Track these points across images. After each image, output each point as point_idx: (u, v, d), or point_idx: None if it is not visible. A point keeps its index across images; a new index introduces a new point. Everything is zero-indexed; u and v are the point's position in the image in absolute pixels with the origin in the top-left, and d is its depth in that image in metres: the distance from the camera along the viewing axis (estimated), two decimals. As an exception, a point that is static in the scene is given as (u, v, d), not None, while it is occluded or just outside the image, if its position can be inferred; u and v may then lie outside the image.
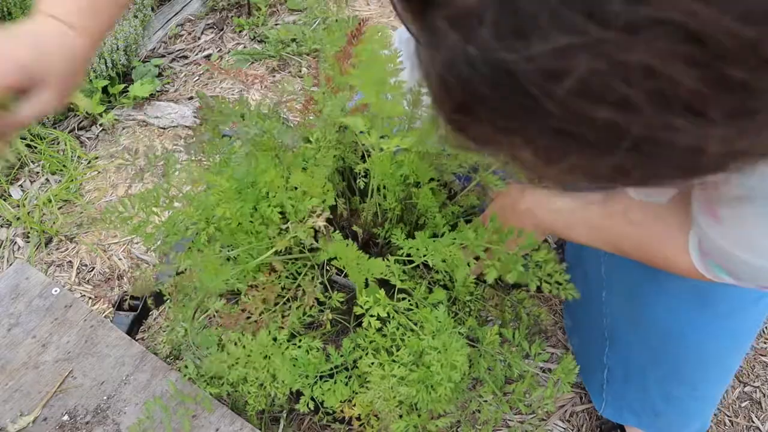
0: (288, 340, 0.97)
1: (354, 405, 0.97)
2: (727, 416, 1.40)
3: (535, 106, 0.32)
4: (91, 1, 0.79)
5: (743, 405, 1.42)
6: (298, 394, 0.99)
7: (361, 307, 0.92)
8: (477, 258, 0.95)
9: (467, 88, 0.34)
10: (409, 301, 0.95)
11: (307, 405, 0.96)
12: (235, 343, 0.94)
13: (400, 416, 0.91)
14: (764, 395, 1.43)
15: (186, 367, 1.05)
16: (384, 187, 1.02)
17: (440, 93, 0.36)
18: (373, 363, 0.90)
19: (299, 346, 0.97)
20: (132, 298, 1.30)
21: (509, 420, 1.37)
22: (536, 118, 0.33)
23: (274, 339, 0.95)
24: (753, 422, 1.39)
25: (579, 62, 0.30)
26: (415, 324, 0.93)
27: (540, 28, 0.30)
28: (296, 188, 0.92)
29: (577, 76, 0.30)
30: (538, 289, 0.93)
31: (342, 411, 0.98)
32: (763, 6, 0.27)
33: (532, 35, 0.30)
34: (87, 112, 2.08)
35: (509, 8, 0.30)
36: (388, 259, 0.93)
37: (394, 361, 0.89)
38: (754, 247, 0.65)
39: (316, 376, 0.98)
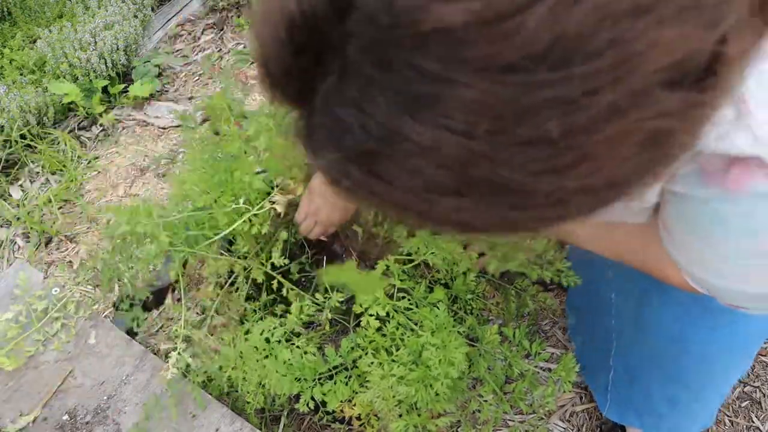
0: (287, 340, 0.97)
1: (354, 405, 0.97)
2: (727, 416, 1.40)
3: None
4: None
5: (743, 405, 1.42)
6: (298, 394, 0.99)
7: (360, 306, 0.92)
8: (481, 254, 0.95)
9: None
10: (408, 300, 0.95)
11: (307, 405, 0.96)
12: (230, 344, 0.94)
13: (400, 415, 0.91)
14: (764, 395, 1.43)
15: (179, 370, 1.05)
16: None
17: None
18: (372, 363, 0.90)
19: (297, 346, 0.97)
20: (132, 297, 1.30)
21: (509, 420, 1.37)
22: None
23: (267, 340, 0.94)
24: (753, 422, 1.39)
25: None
26: (415, 323, 0.92)
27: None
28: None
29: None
30: (544, 284, 0.93)
31: (342, 411, 0.98)
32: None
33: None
34: (87, 112, 2.08)
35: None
36: (388, 259, 0.93)
37: (393, 360, 0.89)
38: (704, 263, 0.61)
39: (315, 378, 0.97)
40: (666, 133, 0.33)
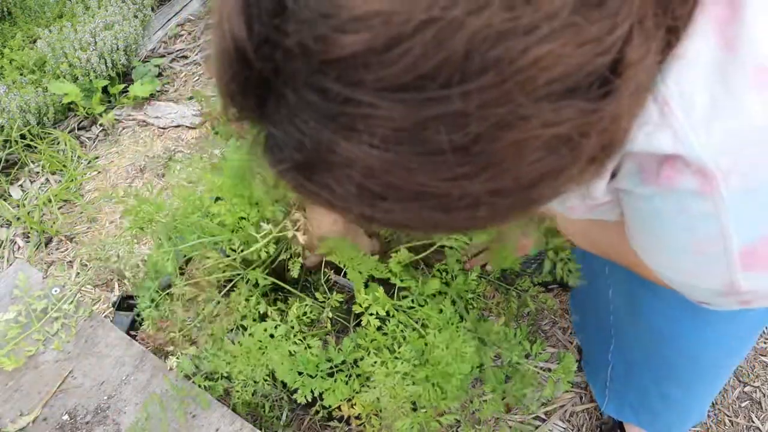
0: (286, 339, 0.97)
1: (354, 404, 0.97)
2: (727, 416, 1.40)
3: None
4: None
5: (743, 405, 1.42)
6: (297, 391, 0.99)
7: (361, 306, 0.92)
8: (476, 254, 0.96)
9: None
10: (411, 299, 0.95)
11: (306, 398, 0.96)
12: (233, 341, 0.94)
13: (405, 414, 0.91)
14: (764, 395, 1.43)
15: (180, 370, 1.05)
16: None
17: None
18: (375, 362, 0.90)
19: (299, 341, 0.97)
20: (132, 297, 1.30)
21: (509, 419, 1.37)
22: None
23: (272, 336, 0.94)
24: (753, 422, 1.39)
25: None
26: (416, 321, 0.93)
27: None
28: None
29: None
30: (544, 284, 0.93)
31: (339, 409, 0.98)
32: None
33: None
34: (87, 112, 2.08)
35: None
36: (391, 256, 0.93)
37: (396, 358, 0.89)
38: (657, 258, 0.61)
39: (316, 374, 0.97)
40: (565, 140, 0.36)
